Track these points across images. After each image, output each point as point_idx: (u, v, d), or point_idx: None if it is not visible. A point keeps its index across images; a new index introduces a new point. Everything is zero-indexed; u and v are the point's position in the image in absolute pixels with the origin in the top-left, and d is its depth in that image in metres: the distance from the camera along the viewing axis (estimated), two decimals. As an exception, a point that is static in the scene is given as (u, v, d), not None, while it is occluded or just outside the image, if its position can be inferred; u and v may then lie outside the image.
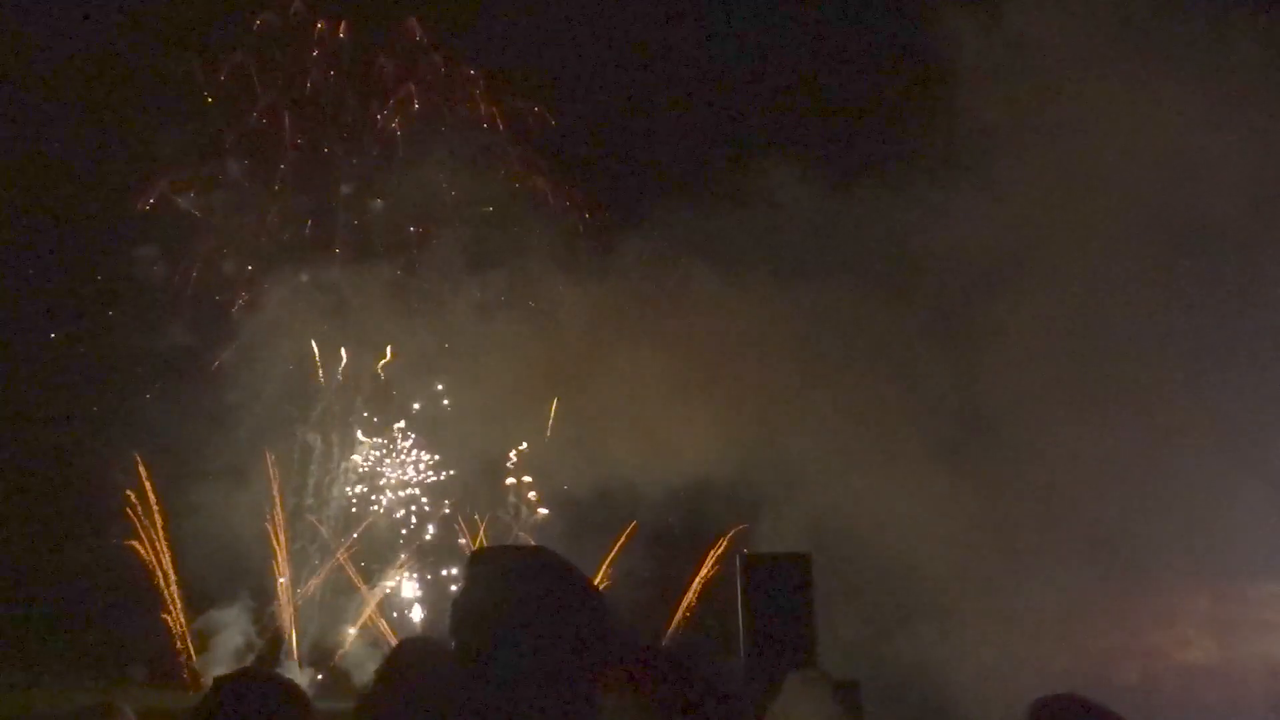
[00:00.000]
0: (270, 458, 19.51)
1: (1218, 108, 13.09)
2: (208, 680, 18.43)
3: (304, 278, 20.09)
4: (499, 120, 21.96)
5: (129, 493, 19.35)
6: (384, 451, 21.28)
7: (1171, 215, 13.20)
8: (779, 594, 7.95)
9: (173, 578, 19.10)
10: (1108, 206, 13.85)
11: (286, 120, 21.35)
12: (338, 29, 21.57)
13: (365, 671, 19.56)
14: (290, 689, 2.88)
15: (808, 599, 7.98)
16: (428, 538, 20.92)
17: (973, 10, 14.17)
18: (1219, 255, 13.43)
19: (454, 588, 18.95)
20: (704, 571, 19.81)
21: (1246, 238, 13.19)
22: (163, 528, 19.22)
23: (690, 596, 19.98)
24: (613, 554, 19.71)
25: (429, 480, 21.26)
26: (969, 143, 14.02)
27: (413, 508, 21.10)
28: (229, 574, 18.78)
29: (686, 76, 21.36)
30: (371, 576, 20.56)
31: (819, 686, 4.55)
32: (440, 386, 20.76)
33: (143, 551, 19.22)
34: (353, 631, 20.07)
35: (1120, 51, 13.81)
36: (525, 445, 20.36)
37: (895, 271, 15.03)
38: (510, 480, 21.09)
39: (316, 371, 19.91)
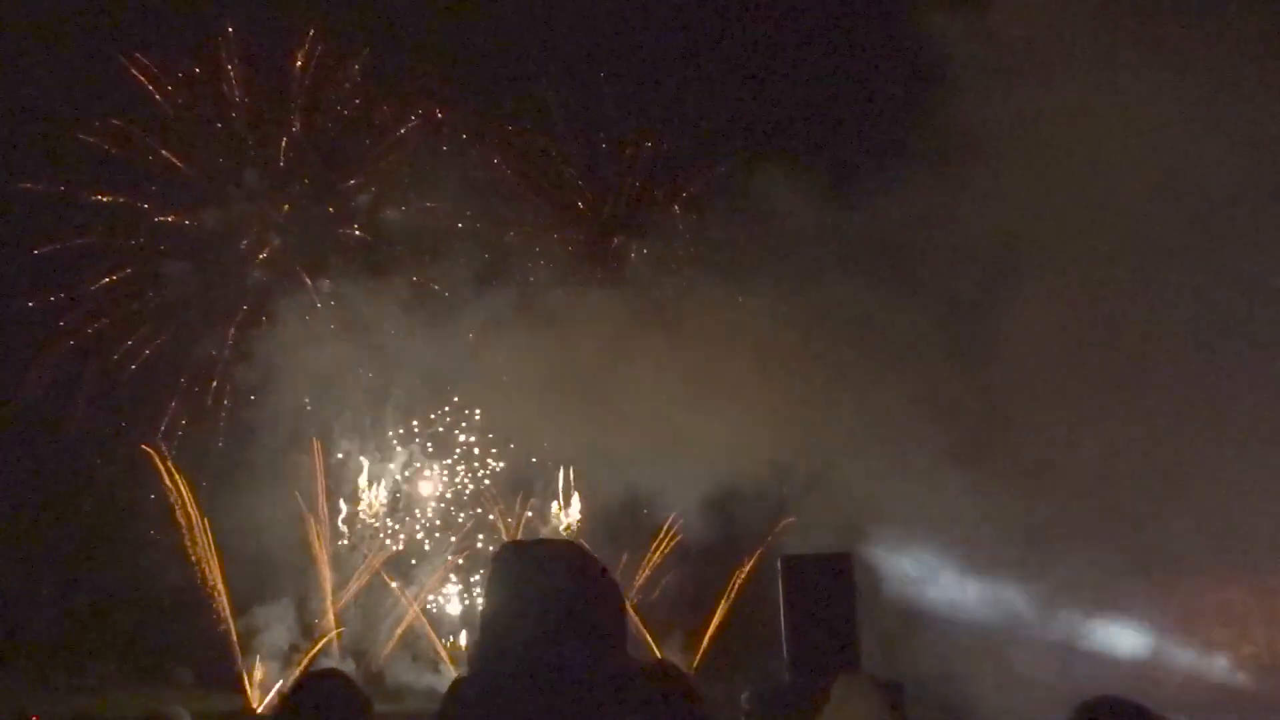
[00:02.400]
0: (315, 462, 19.84)
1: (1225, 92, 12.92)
2: (254, 681, 18.75)
3: (329, 293, 20.50)
4: (504, 148, 22.37)
5: (170, 502, 19.71)
6: (420, 463, 21.55)
7: (1190, 204, 13.10)
8: (821, 594, 7.76)
9: (219, 581, 19.40)
10: (1127, 199, 13.75)
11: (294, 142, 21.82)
12: (344, 67, 22.11)
13: (396, 672, 19.87)
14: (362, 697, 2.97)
15: (850, 599, 7.80)
16: (462, 539, 21.16)
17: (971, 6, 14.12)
18: (1242, 241, 13.27)
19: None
20: (740, 575, 19.92)
21: (1264, 224, 13.05)
22: (206, 534, 19.55)
23: (727, 601, 20.11)
24: (652, 556, 19.92)
25: (464, 485, 21.52)
26: (998, 141, 13.92)
27: (458, 516, 21.39)
28: (268, 577, 19.09)
29: (689, 89, 21.59)
30: (410, 576, 20.85)
31: (870, 689, 4.52)
32: (468, 399, 21.00)
33: (188, 556, 19.55)
34: (381, 632, 20.34)
35: (1121, 41, 13.69)
36: (556, 455, 20.54)
37: (919, 272, 15.01)
38: (541, 487, 21.32)
39: (347, 383, 20.15)
